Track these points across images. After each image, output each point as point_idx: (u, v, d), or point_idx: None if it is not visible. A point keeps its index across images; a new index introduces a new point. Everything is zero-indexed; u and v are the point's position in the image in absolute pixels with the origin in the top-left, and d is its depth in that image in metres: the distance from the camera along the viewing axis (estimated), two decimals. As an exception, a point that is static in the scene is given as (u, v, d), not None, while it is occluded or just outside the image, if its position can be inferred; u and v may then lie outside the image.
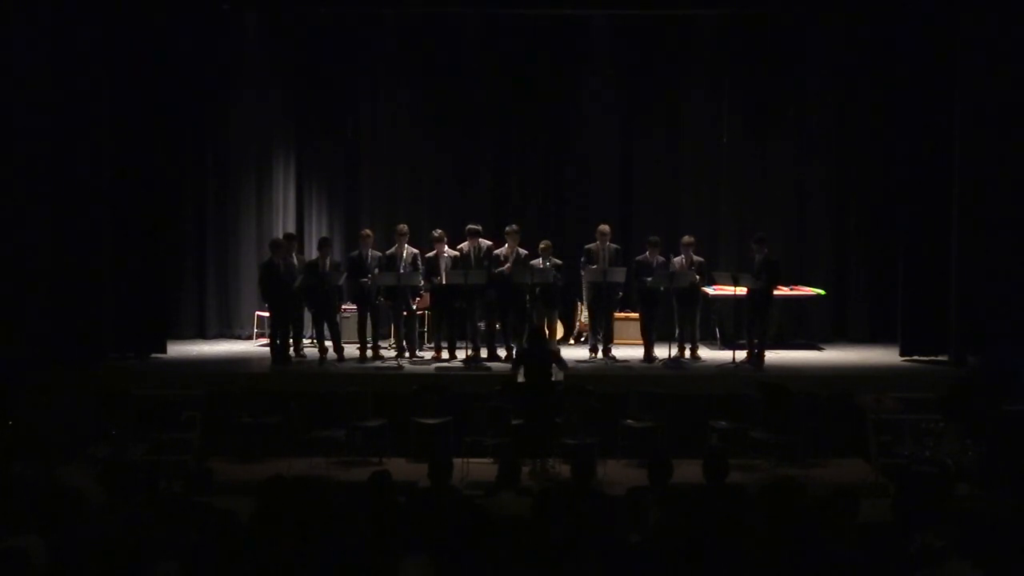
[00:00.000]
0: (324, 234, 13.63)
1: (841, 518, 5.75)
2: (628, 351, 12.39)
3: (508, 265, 11.93)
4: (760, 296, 11.70)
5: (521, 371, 10.32)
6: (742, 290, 11.84)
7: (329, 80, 14.00)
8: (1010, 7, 11.41)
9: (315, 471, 9.86)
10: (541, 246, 11.99)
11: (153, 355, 12.23)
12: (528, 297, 11.78)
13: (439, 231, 12.25)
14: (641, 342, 12.27)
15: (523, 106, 14.07)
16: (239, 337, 13.95)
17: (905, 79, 12.18)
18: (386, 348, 12.54)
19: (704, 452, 8.11)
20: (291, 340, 12.15)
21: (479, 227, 12.25)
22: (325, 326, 12.24)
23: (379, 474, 6.52)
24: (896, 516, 6.03)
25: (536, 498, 6.31)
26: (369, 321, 12.23)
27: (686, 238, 12.06)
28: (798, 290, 13.12)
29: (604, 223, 12.28)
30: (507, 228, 12.25)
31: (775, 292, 12.07)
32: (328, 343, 12.22)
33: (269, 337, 12.32)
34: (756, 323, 11.81)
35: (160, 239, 12.41)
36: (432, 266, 12.05)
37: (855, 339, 13.55)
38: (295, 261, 12.16)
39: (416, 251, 12.17)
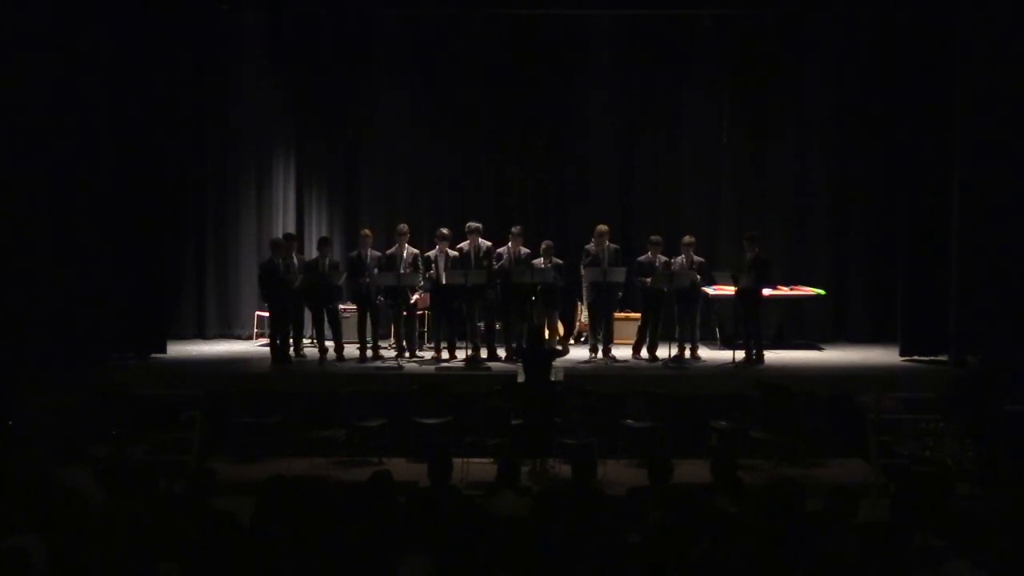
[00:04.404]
0: (324, 234, 13.62)
1: (841, 518, 5.75)
2: (628, 351, 12.38)
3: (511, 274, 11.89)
4: (751, 294, 11.69)
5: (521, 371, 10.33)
6: (741, 290, 11.84)
7: (329, 80, 13.99)
8: (1010, 6, 11.40)
9: (315, 471, 9.87)
10: (543, 246, 12.00)
11: (153, 355, 12.24)
12: (529, 297, 11.78)
13: (447, 230, 12.24)
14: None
15: (523, 106, 14.06)
16: (239, 337, 13.95)
17: (905, 78, 12.19)
18: (386, 348, 12.53)
19: (711, 453, 8.11)
20: (291, 340, 12.15)
21: (479, 224, 12.24)
22: (325, 326, 12.25)
23: (379, 474, 6.51)
24: (896, 516, 6.03)
25: (536, 498, 6.32)
26: (369, 321, 12.24)
27: (686, 238, 12.06)
28: (798, 290, 13.10)
29: (602, 223, 12.26)
30: (512, 229, 12.24)
31: (773, 292, 12.05)
32: (328, 343, 12.23)
33: (269, 337, 12.32)
34: (749, 322, 11.80)
35: (160, 239, 12.43)
36: (426, 263, 12.04)
37: (855, 339, 13.53)
38: (295, 261, 12.16)
39: (416, 251, 12.17)
